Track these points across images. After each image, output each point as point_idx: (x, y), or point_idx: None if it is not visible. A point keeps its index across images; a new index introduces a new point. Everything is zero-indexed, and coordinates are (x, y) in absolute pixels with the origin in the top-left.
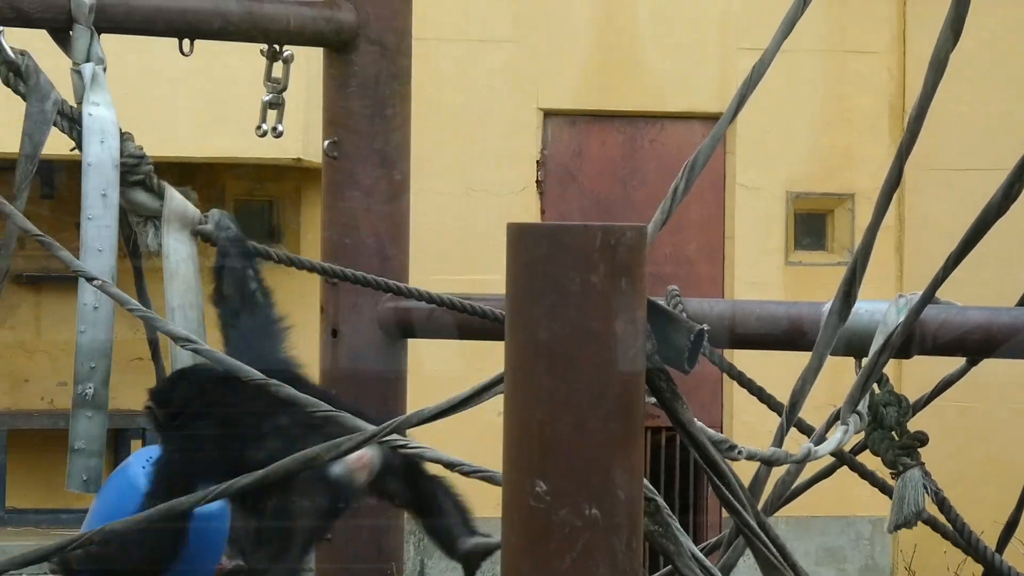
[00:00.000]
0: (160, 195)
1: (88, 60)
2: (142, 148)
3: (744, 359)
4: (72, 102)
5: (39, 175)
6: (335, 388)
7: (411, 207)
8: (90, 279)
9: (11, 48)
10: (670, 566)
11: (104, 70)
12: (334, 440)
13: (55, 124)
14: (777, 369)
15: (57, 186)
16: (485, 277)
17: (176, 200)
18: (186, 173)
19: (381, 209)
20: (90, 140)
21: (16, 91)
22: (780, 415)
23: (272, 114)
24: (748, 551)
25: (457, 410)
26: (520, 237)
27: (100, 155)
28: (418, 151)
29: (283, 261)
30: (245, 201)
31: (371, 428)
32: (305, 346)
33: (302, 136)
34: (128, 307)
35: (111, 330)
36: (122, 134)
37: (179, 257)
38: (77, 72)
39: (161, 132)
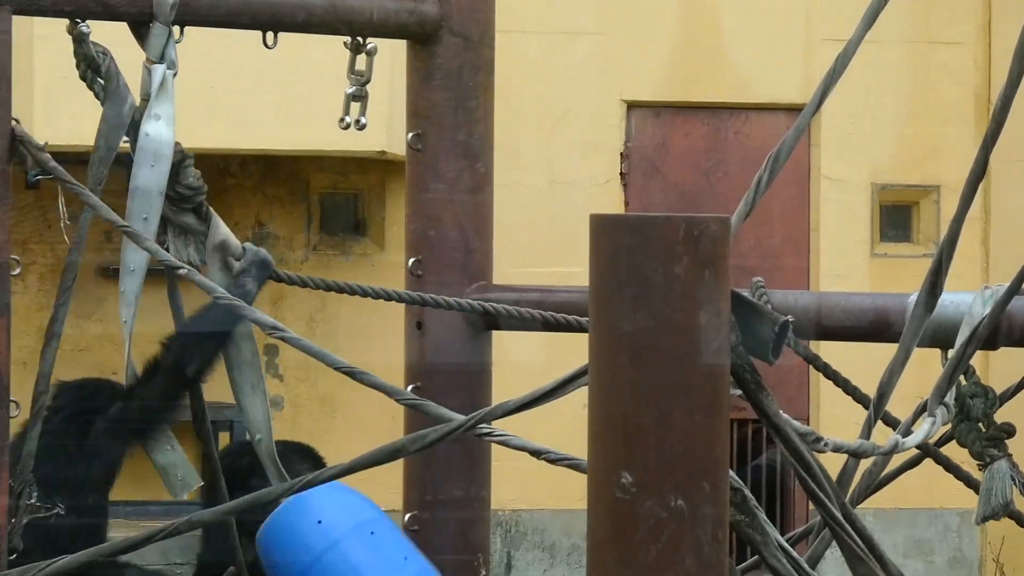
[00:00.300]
0: (206, 220)
1: (161, 60)
2: (201, 178)
3: (829, 351)
4: (137, 95)
5: (124, 168)
6: (421, 380)
7: (495, 199)
8: (175, 268)
9: (94, 45)
10: (756, 557)
11: (174, 75)
12: (420, 432)
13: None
14: (863, 361)
15: None
16: (569, 269)
17: (220, 230)
18: (270, 166)
19: (464, 201)
20: (141, 162)
21: (91, 88)
22: (866, 407)
23: (355, 107)
24: (835, 543)
25: (541, 402)
26: (603, 229)
27: (148, 180)
28: (501, 143)
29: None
30: (329, 194)
31: (458, 419)
32: (390, 339)
33: (386, 129)
34: (214, 295)
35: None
36: (184, 158)
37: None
38: (148, 69)
39: (245, 125)
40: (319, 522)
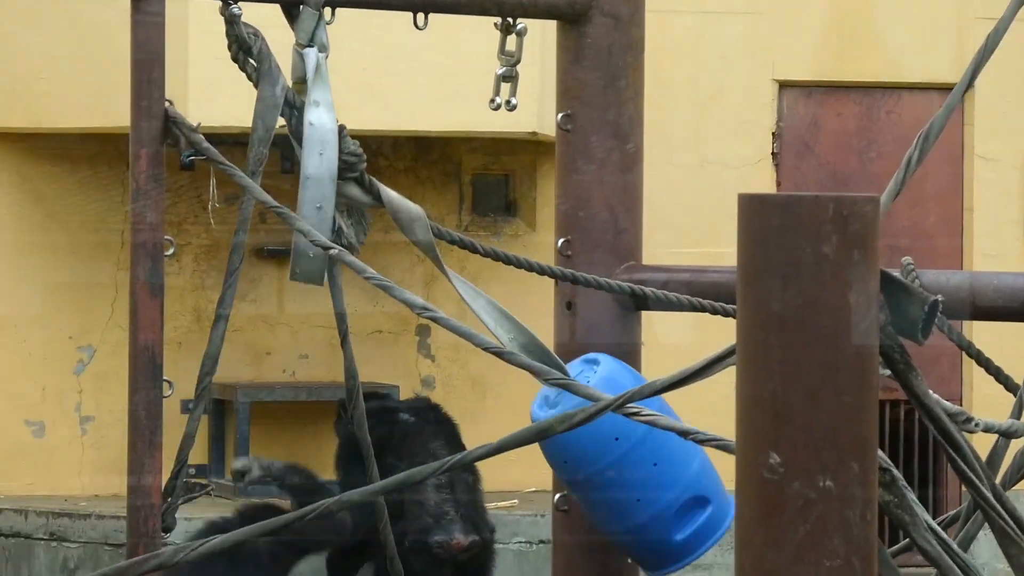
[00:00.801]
0: (371, 192)
1: (311, 43)
2: (359, 145)
3: (983, 331)
4: (289, 78)
5: (279, 150)
6: (570, 360)
7: (644, 179)
8: (326, 248)
9: (246, 26)
10: (907, 539)
11: (326, 57)
12: (568, 411)
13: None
14: (1018, 340)
15: (296, 161)
16: (720, 250)
17: (394, 199)
18: (422, 148)
19: (614, 181)
20: (310, 152)
21: (243, 69)
22: (1015, 391)
23: (506, 87)
24: (987, 525)
25: (689, 381)
26: (752, 208)
27: (319, 168)
28: (652, 123)
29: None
30: (481, 175)
31: (607, 398)
32: (540, 319)
33: (537, 109)
34: (365, 275)
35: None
36: (341, 131)
37: (424, 249)
38: (299, 53)
39: (398, 107)
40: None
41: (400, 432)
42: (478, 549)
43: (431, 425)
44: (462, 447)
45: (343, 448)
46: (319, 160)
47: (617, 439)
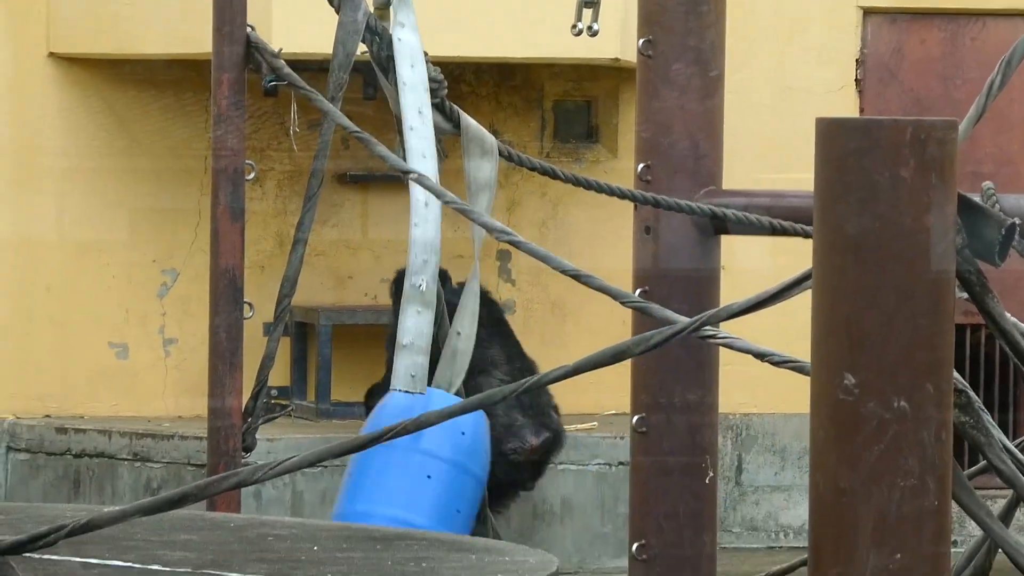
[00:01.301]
0: (451, 119)
1: None
2: (440, 71)
3: None
4: (371, 3)
5: (362, 76)
6: (649, 285)
7: (726, 106)
8: (406, 172)
9: None
10: (983, 461)
11: None
12: (644, 334)
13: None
14: None
15: (379, 87)
16: (801, 176)
17: (472, 127)
18: (505, 74)
19: (695, 108)
20: (402, 63)
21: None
22: None
23: (587, 13)
24: None
25: (766, 305)
26: (830, 132)
27: (412, 78)
28: (734, 49)
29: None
30: (562, 102)
31: (683, 320)
32: (619, 244)
33: (620, 35)
34: (445, 199)
35: (439, 226)
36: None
37: (479, 184)
38: None
39: (480, 33)
40: (463, 433)
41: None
42: (550, 444)
43: (482, 307)
44: (510, 331)
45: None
46: (411, 71)
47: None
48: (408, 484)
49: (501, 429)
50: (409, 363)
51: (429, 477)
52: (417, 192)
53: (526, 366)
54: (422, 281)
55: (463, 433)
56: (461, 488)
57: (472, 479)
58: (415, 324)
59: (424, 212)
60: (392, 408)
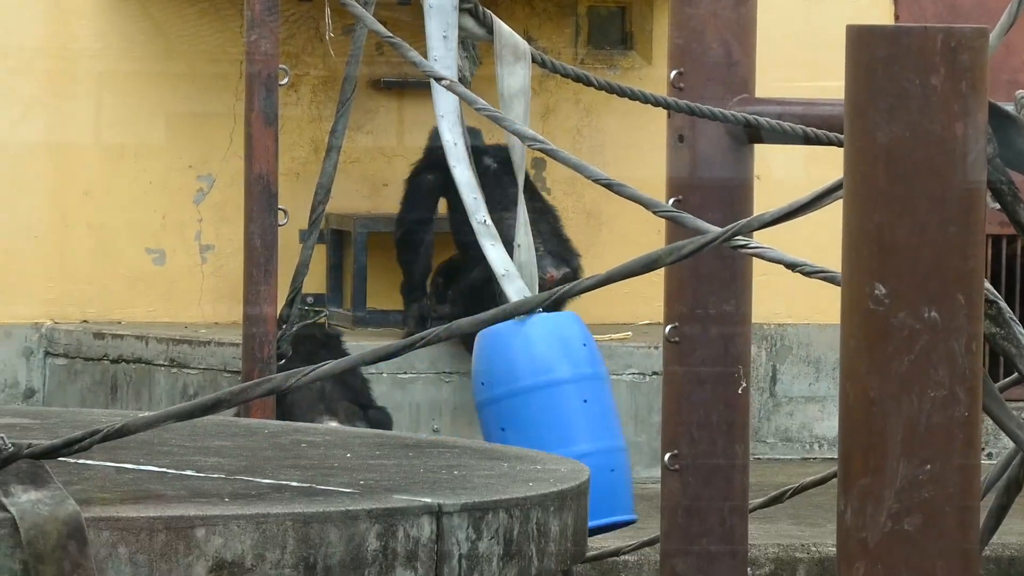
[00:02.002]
0: (484, 24)
1: None
2: None
3: None
4: None
5: None
6: (682, 194)
7: (759, 12)
8: (439, 79)
9: None
10: (1015, 373)
11: None
12: (676, 243)
13: None
14: None
15: None
16: (836, 84)
17: (505, 32)
18: None
19: (728, 14)
20: None
21: None
22: None
23: None
24: None
25: (797, 214)
26: (860, 39)
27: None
28: None
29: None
30: (597, 8)
31: (714, 230)
32: (652, 152)
33: None
34: (476, 107)
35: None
36: None
37: (511, 92)
38: None
39: None
40: (584, 345)
41: (481, 174)
42: (569, 278)
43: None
44: (540, 196)
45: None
46: None
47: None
48: (573, 416)
49: None
50: (515, 288)
51: (585, 401)
52: (445, 133)
53: (550, 211)
54: (484, 216)
55: (584, 345)
56: (609, 394)
57: (608, 383)
58: (498, 255)
59: (456, 152)
60: (495, 338)
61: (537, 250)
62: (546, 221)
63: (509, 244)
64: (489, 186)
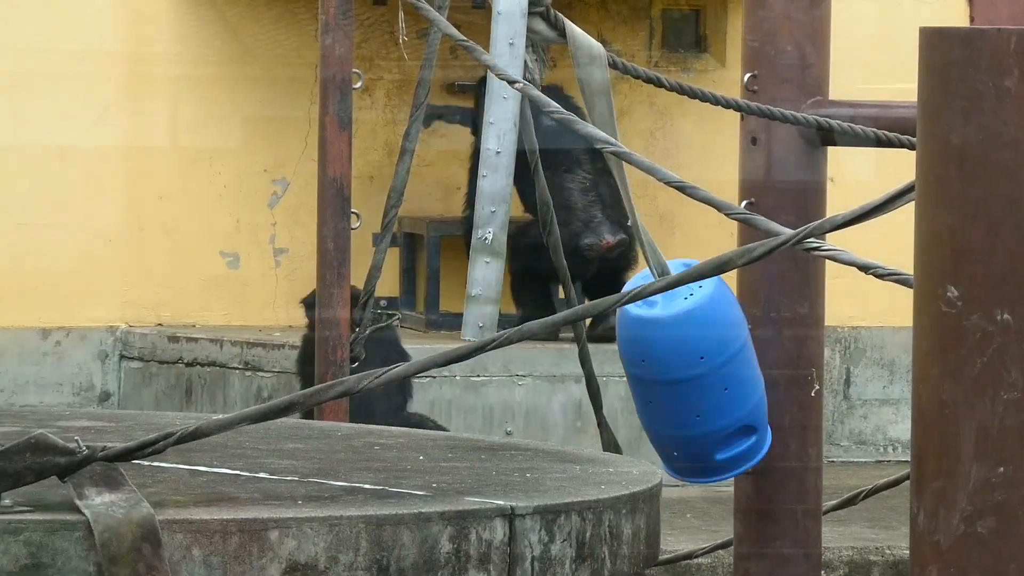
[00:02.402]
0: (556, 27)
1: None
2: None
3: None
4: None
5: None
6: (754, 196)
7: (833, 15)
8: (512, 81)
9: None
10: None
11: None
12: (748, 245)
13: None
14: None
15: None
16: (909, 86)
17: (579, 35)
18: None
19: (801, 17)
20: None
21: None
22: None
23: None
24: None
25: (869, 216)
26: (933, 42)
27: (510, 6)
28: None
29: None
30: (671, 10)
31: (786, 232)
32: (725, 155)
33: None
34: (547, 109)
35: (511, 176)
36: None
37: (592, 91)
38: None
39: None
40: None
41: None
42: (624, 248)
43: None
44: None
45: None
46: None
47: (702, 358)
48: (719, 396)
49: (579, 224)
50: (478, 313)
51: (726, 390)
52: (489, 141)
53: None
54: (488, 233)
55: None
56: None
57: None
58: (483, 275)
59: (495, 160)
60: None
61: (595, 217)
62: (607, 183)
63: (561, 208)
64: (552, 147)
